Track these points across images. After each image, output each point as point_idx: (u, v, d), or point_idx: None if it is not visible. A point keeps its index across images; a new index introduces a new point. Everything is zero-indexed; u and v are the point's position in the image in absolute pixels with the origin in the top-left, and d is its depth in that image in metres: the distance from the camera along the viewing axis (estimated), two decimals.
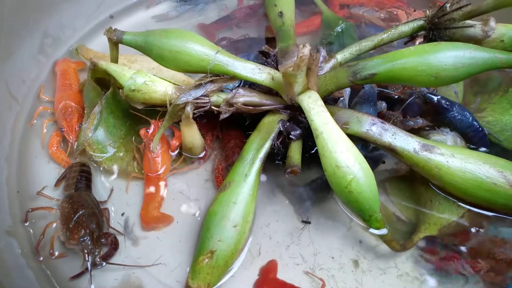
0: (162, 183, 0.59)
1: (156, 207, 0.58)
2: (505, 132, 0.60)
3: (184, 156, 0.62)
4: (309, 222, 0.56)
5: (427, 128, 0.60)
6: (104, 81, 0.62)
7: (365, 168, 0.47)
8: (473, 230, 0.53)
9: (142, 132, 0.62)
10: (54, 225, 0.55)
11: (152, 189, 0.59)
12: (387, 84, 0.65)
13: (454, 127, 0.58)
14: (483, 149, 0.59)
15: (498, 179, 0.49)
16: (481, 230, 0.53)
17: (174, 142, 0.62)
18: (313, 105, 0.51)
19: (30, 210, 0.56)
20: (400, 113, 0.61)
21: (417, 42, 0.63)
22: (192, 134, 0.58)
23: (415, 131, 0.58)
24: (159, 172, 0.60)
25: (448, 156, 0.50)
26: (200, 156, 0.63)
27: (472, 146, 0.59)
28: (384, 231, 0.52)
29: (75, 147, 0.62)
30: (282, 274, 0.52)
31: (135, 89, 0.55)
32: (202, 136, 0.61)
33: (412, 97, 0.60)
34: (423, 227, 0.53)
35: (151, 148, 0.59)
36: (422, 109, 0.60)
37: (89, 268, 0.50)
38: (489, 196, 0.50)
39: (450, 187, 0.51)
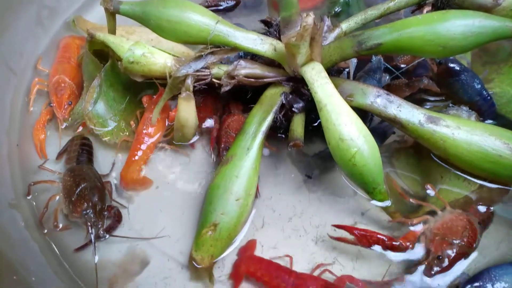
0: (150, 147, 0.59)
1: (137, 169, 0.57)
2: (511, 104, 0.59)
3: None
4: (310, 177, 0.57)
5: (450, 105, 0.59)
6: (103, 53, 0.61)
7: (369, 140, 0.47)
8: (482, 208, 0.53)
9: (144, 99, 0.61)
10: (57, 198, 0.55)
11: (138, 152, 0.58)
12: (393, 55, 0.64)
13: (464, 93, 0.56)
14: (489, 121, 0.58)
15: (504, 151, 0.48)
16: (491, 208, 0.53)
17: (174, 114, 0.61)
18: (316, 77, 0.49)
19: (32, 183, 0.56)
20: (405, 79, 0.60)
21: (424, 11, 0.61)
22: (188, 110, 0.55)
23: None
24: (151, 135, 0.59)
25: (454, 128, 0.49)
26: (191, 141, 0.60)
27: (480, 119, 0.58)
28: (387, 203, 0.52)
29: (63, 125, 0.62)
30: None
31: (133, 61, 0.54)
32: (204, 115, 0.60)
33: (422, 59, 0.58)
34: (430, 202, 0.53)
35: (151, 121, 0.59)
36: (431, 75, 0.59)
37: (92, 241, 0.50)
38: (494, 168, 0.49)
39: (455, 159, 0.51)
